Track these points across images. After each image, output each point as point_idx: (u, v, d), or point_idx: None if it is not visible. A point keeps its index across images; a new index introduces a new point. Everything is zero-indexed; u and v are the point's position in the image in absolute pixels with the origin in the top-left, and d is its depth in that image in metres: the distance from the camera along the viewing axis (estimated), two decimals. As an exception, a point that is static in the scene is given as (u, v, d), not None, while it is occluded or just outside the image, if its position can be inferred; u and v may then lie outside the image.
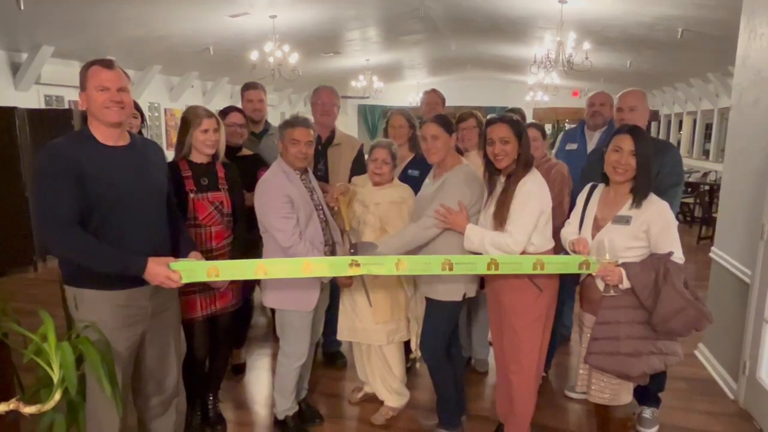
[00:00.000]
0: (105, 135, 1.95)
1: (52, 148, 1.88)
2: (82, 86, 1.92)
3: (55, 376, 1.46)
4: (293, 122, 2.57)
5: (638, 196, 2.12)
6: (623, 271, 2.05)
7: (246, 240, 2.69)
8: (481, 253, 2.31)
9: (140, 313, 2.04)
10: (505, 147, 2.28)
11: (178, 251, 2.14)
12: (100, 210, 1.88)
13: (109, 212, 1.90)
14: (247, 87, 3.61)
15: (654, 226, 2.08)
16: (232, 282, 2.61)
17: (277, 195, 2.48)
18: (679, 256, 2.08)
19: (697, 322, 2.04)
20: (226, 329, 2.73)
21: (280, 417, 2.77)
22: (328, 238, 2.65)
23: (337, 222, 2.76)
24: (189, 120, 2.51)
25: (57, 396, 1.45)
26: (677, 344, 2.15)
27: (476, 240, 2.31)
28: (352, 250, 2.50)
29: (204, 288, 2.50)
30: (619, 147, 2.13)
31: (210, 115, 2.52)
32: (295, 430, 2.76)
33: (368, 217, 2.75)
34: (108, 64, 1.93)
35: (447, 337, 2.64)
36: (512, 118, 2.33)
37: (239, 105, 3.43)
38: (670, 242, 2.08)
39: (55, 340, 1.50)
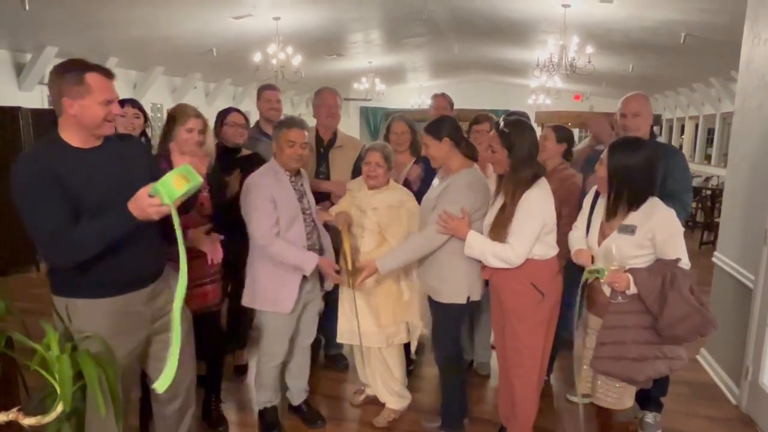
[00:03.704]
0: (83, 140, 1.83)
1: (27, 160, 1.76)
2: (77, 94, 1.74)
3: (58, 388, 1.44)
4: (289, 123, 2.56)
5: (625, 205, 2.08)
6: (630, 277, 2.03)
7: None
8: (480, 262, 2.36)
9: (138, 319, 1.96)
10: (493, 156, 2.28)
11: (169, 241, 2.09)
12: (85, 213, 1.78)
13: (94, 214, 1.79)
14: (265, 88, 3.64)
15: (659, 234, 2.04)
16: (213, 281, 2.60)
17: (260, 193, 2.48)
18: (685, 263, 2.04)
19: (702, 328, 2.02)
20: (210, 329, 2.65)
21: (259, 407, 2.81)
22: (315, 243, 2.64)
23: (341, 251, 2.73)
24: (175, 117, 2.45)
25: (59, 408, 1.43)
26: (682, 348, 2.14)
27: (477, 248, 2.32)
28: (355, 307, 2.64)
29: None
30: (602, 159, 2.13)
31: (198, 115, 2.47)
32: (270, 420, 2.78)
33: (366, 221, 2.75)
34: (111, 74, 1.82)
35: (456, 339, 2.66)
36: (502, 129, 2.28)
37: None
38: (676, 250, 2.04)
39: (58, 352, 1.48)
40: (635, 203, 2.07)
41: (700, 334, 2.07)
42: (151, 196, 1.68)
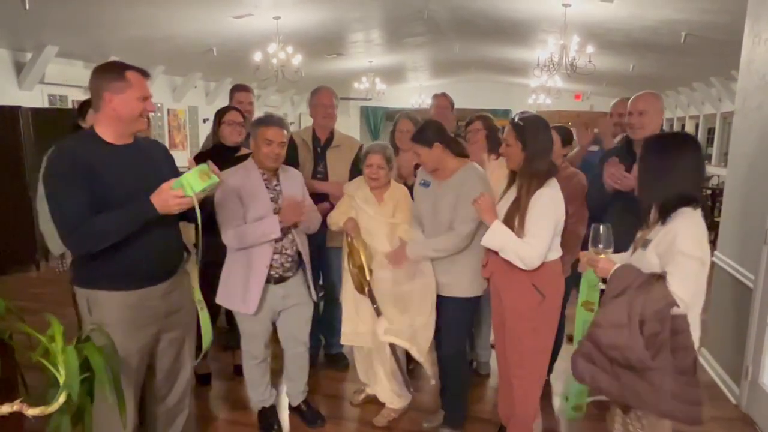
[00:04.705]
0: (116, 136, 1.95)
1: (61, 150, 1.89)
2: (118, 89, 1.88)
3: (61, 379, 1.45)
4: (268, 121, 2.52)
5: (656, 212, 1.81)
6: (614, 266, 1.82)
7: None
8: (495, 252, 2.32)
9: (153, 313, 2.04)
10: (506, 150, 2.28)
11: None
12: (112, 205, 1.87)
13: (123, 205, 1.87)
14: (237, 89, 3.63)
15: (662, 245, 1.74)
16: None
17: (225, 189, 2.43)
18: (680, 296, 1.67)
19: (627, 349, 1.66)
20: None
21: (257, 408, 2.83)
22: (286, 247, 2.58)
23: (351, 261, 2.72)
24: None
25: (61, 398, 1.44)
26: (669, 399, 1.69)
27: (499, 240, 2.24)
28: (375, 306, 2.62)
29: None
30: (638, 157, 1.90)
31: None
32: (268, 420, 2.80)
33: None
34: (147, 74, 1.96)
35: (465, 332, 2.72)
36: (517, 122, 2.29)
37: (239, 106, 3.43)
38: (673, 270, 1.70)
39: (63, 343, 1.49)
40: (665, 211, 1.77)
41: (625, 358, 1.68)
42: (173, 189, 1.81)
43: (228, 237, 2.47)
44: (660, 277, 1.71)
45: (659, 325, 1.66)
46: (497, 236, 2.25)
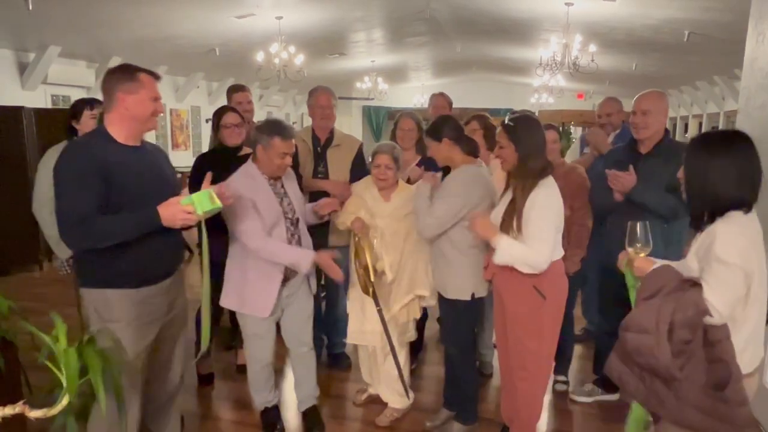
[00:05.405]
0: (127, 136, 1.99)
1: (80, 146, 1.94)
2: (131, 89, 1.92)
3: (64, 380, 1.45)
4: (282, 133, 2.43)
5: (704, 216, 1.66)
6: (651, 266, 1.71)
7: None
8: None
9: (157, 310, 2.08)
10: (500, 152, 2.27)
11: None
12: (124, 204, 1.90)
13: (133, 206, 1.91)
14: (235, 89, 3.61)
15: (701, 250, 1.62)
16: None
17: (241, 199, 2.38)
18: (714, 305, 1.52)
19: (651, 357, 1.55)
20: None
21: (259, 408, 2.82)
22: (296, 245, 2.57)
23: (357, 261, 2.71)
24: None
25: (64, 401, 1.44)
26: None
27: (515, 255, 2.19)
28: (378, 308, 2.62)
29: None
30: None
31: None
32: (270, 420, 2.79)
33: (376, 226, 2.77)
34: (158, 77, 2.01)
35: (465, 333, 2.68)
36: (507, 123, 2.28)
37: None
38: (707, 277, 1.57)
39: (65, 344, 1.50)
40: (711, 215, 1.64)
41: (650, 365, 1.58)
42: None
43: (256, 251, 2.43)
44: (695, 283, 1.59)
45: (690, 333, 1.54)
46: (508, 252, 2.20)
